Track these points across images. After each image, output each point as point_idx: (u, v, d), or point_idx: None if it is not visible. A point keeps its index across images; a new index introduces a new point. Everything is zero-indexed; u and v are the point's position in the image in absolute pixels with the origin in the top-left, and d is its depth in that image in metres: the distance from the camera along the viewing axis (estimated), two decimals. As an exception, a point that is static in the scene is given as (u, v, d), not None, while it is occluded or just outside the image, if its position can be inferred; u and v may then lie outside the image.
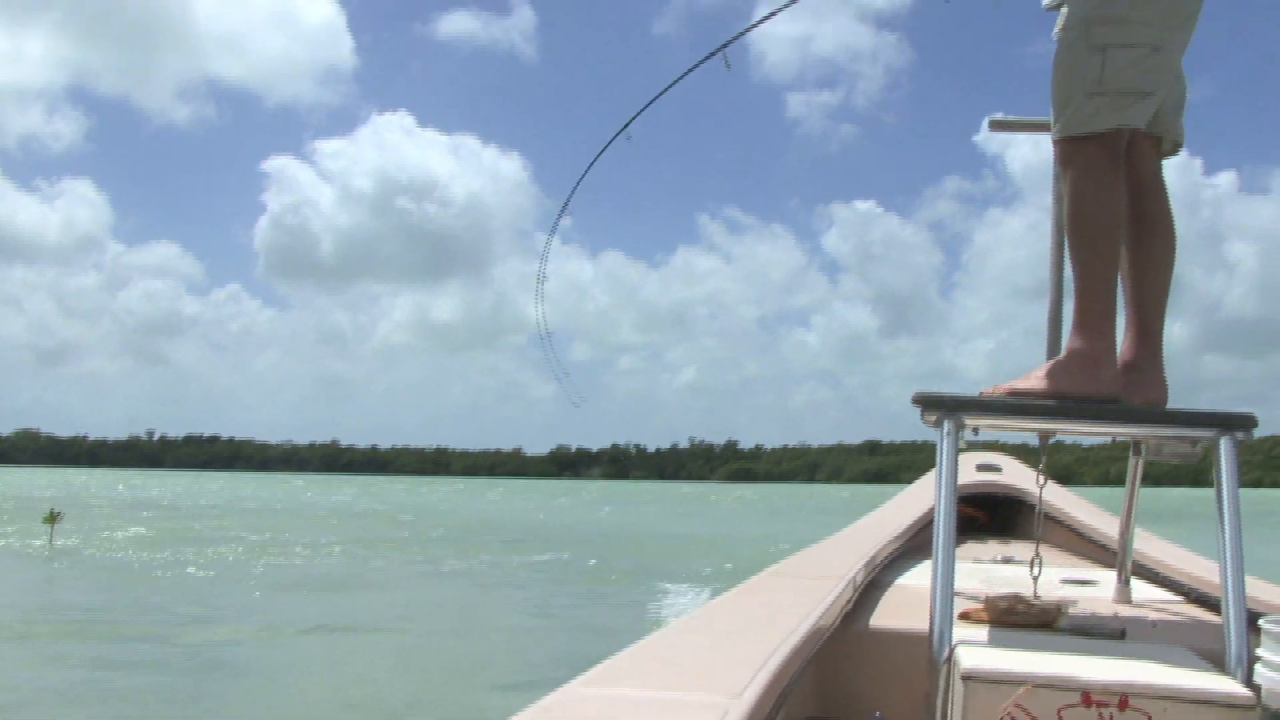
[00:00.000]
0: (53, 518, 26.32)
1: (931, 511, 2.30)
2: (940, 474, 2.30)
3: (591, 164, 3.59)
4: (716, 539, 30.78)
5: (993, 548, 4.69)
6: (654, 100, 3.30)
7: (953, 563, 2.17)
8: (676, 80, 3.28)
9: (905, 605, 2.91)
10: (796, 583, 2.82)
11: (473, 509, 52.45)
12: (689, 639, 2.03)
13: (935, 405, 2.36)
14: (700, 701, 1.51)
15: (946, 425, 2.34)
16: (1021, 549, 4.52)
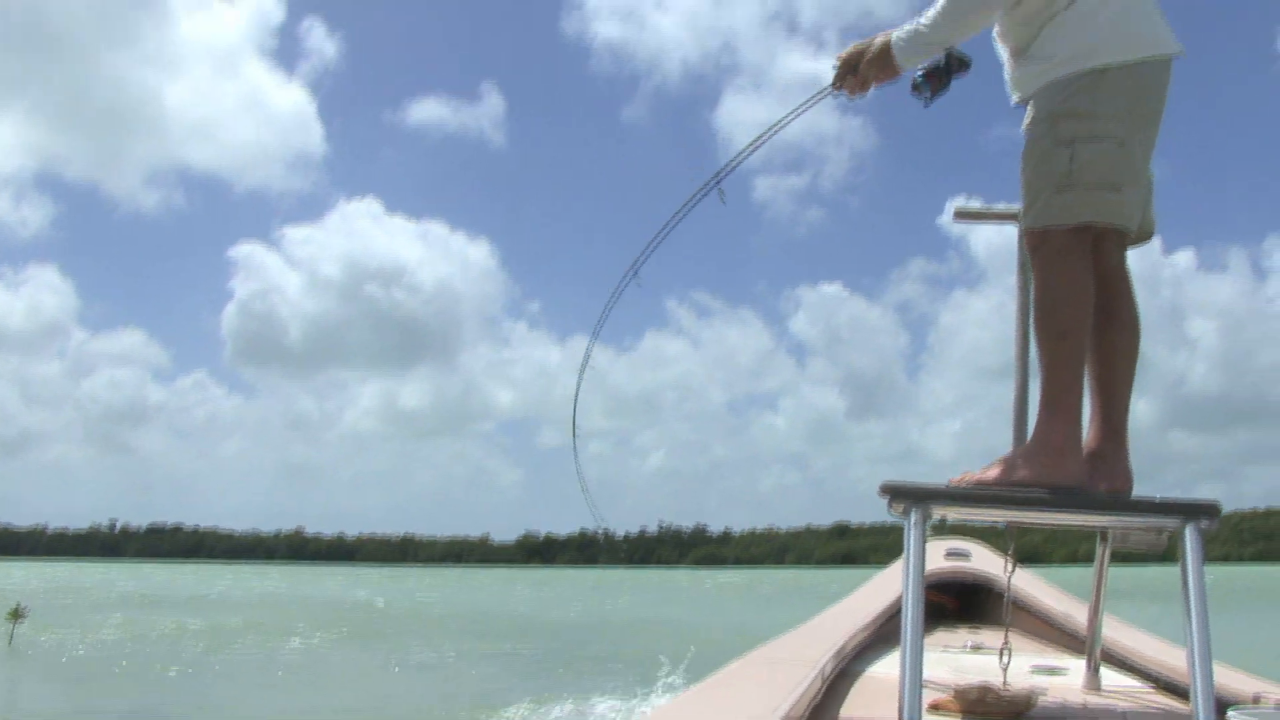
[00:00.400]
0: (15, 615, 25.68)
1: (900, 599, 2.30)
2: (908, 563, 2.29)
3: (607, 310, 3.56)
4: (688, 627, 30.53)
5: (962, 635, 4.65)
6: (659, 239, 3.36)
7: (921, 652, 2.16)
8: (678, 217, 3.34)
9: (875, 696, 2.90)
10: (765, 673, 2.81)
11: (441, 598, 51.82)
12: None
13: (902, 495, 2.36)
14: None
15: (914, 515, 2.34)
16: (991, 636, 4.49)
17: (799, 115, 3.18)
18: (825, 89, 3.07)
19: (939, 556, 5.71)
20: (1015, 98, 2.84)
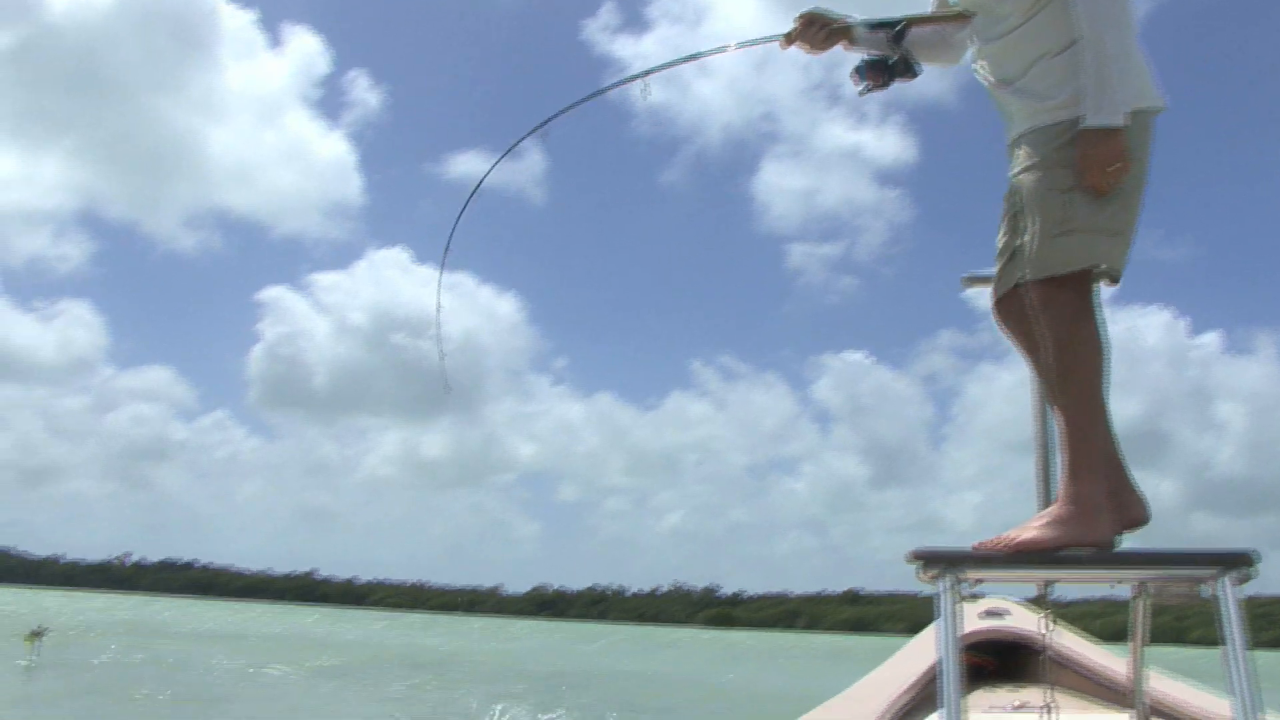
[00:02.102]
0: (34, 636, 26.23)
1: (938, 663, 2.31)
2: (943, 630, 2.25)
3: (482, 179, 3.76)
4: (712, 689, 30.65)
5: (1004, 695, 4.57)
6: (574, 106, 3.44)
7: (960, 717, 2.16)
8: (597, 93, 3.47)
9: None
10: None
11: (457, 647, 51.97)
12: None
13: (934, 561, 2.32)
14: None
15: (946, 580, 2.30)
16: (1033, 695, 4.32)
17: (754, 45, 3.22)
18: (778, 36, 3.08)
19: (975, 616, 5.50)
20: (1010, 137, 2.76)
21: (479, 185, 3.83)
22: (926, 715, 3.71)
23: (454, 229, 3.84)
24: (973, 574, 2.39)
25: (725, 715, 21.78)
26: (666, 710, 23.14)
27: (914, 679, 4.20)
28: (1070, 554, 2.39)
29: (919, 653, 5.02)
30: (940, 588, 2.30)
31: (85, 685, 21.15)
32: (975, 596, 5.85)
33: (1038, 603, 3.11)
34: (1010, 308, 2.74)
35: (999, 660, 5.36)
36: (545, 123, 3.48)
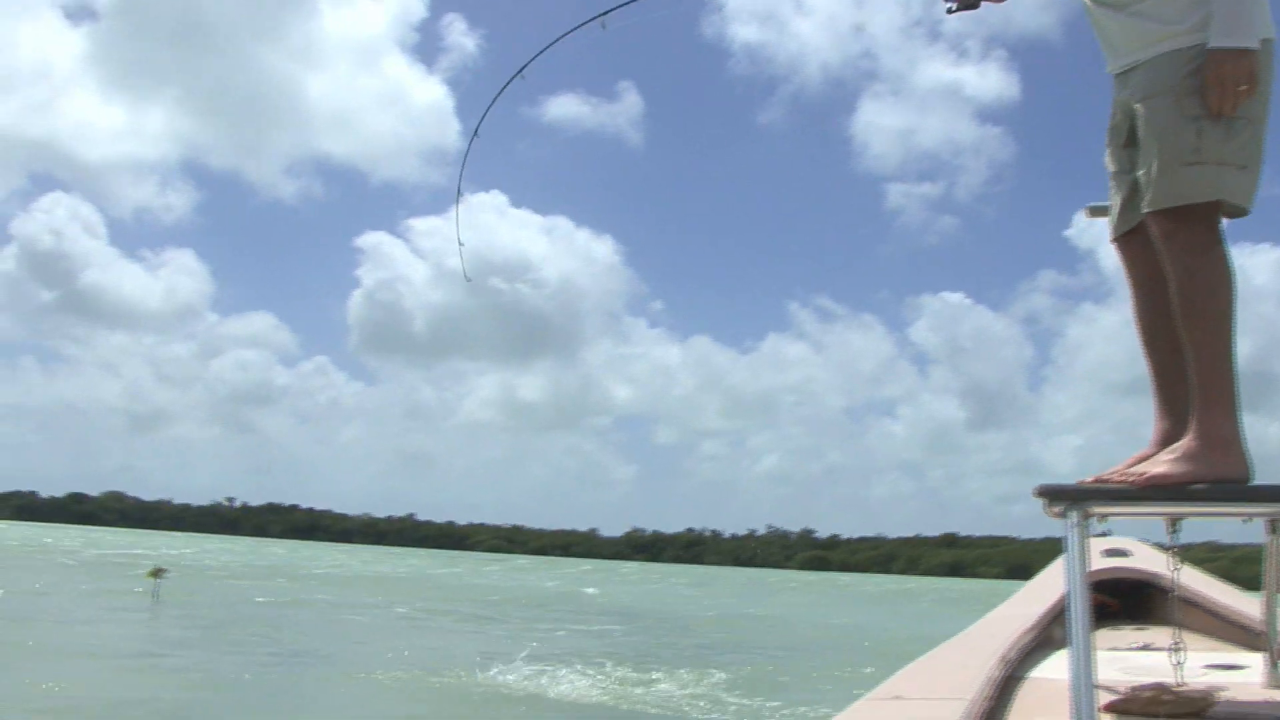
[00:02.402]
0: (156, 573, 27.09)
1: (1061, 601, 2.26)
2: (1070, 566, 2.21)
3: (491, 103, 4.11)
4: (826, 630, 30.62)
5: (1128, 635, 4.48)
6: (542, 52, 3.79)
7: (1090, 654, 2.10)
8: (563, 36, 3.76)
9: (1044, 700, 2.83)
10: (933, 682, 2.80)
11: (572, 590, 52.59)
12: None
13: (1061, 496, 2.27)
14: None
15: (1073, 516, 2.25)
16: (1159, 635, 4.26)
17: None
18: None
19: (1097, 556, 5.45)
20: (1113, 66, 2.66)
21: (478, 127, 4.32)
22: (1050, 654, 3.64)
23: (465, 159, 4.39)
24: (1100, 509, 2.34)
25: (845, 657, 21.52)
26: (787, 649, 22.97)
27: (1036, 618, 4.11)
28: (1203, 488, 2.30)
29: (1040, 592, 4.99)
30: (1067, 523, 2.24)
31: (206, 619, 21.69)
32: (1101, 535, 5.61)
33: (1169, 534, 2.90)
34: (1132, 241, 2.68)
35: (1121, 601, 5.36)
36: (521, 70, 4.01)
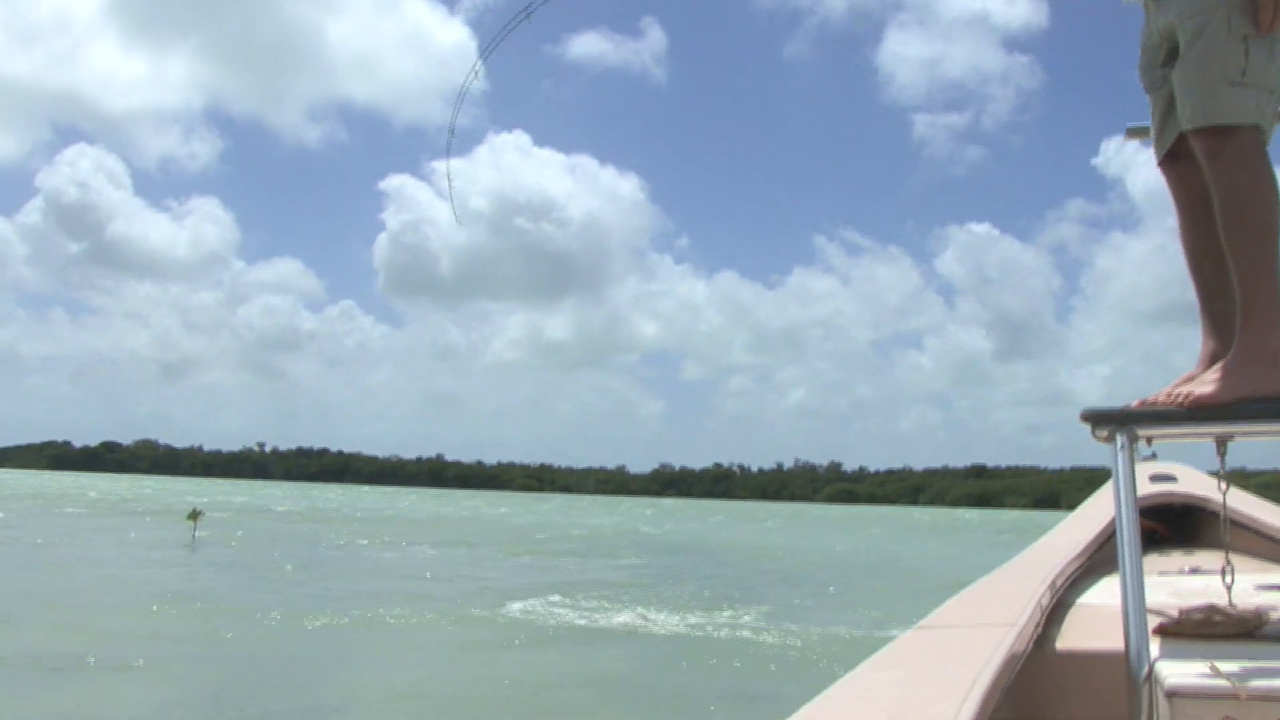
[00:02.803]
0: (194, 516, 27.57)
1: (1108, 527, 2.23)
2: (1119, 491, 2.16)
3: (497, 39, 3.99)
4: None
5: (1177, 559, 4.41)
6: (506, 32, 3.74)
7: (1141, 577, 2.08)
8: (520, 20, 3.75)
9: (1094, 625, 2.82)
10: (986, 610, 2.76)
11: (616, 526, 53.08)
12: (887, 676, 2.01)
13: (1107, 420, 2.22)
14: None
15: (1120, 439, 2.20)
16: (1208, 558, 4.20)
17: None
18: None
19: (1143, 482, 5.21)
20: None
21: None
22: (1099, 579, 3.64)
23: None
24: (1147, 432, 2.27)
25: (898, 586, 21.73)
26: (844, 578, 23.19)
27: (1085, 543, 4.07)
28: (1251, 406, 2.22)
29: (1089, 518, 4.89)
30: (1114, 448, 2.20)
31: (243, 560, 22.09)
32: (1148, 459, 5.57)
33: (1219, 454, 2.69)
34: (1178, 163, 2.61)
35: (1169, 526, 5.20)
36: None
